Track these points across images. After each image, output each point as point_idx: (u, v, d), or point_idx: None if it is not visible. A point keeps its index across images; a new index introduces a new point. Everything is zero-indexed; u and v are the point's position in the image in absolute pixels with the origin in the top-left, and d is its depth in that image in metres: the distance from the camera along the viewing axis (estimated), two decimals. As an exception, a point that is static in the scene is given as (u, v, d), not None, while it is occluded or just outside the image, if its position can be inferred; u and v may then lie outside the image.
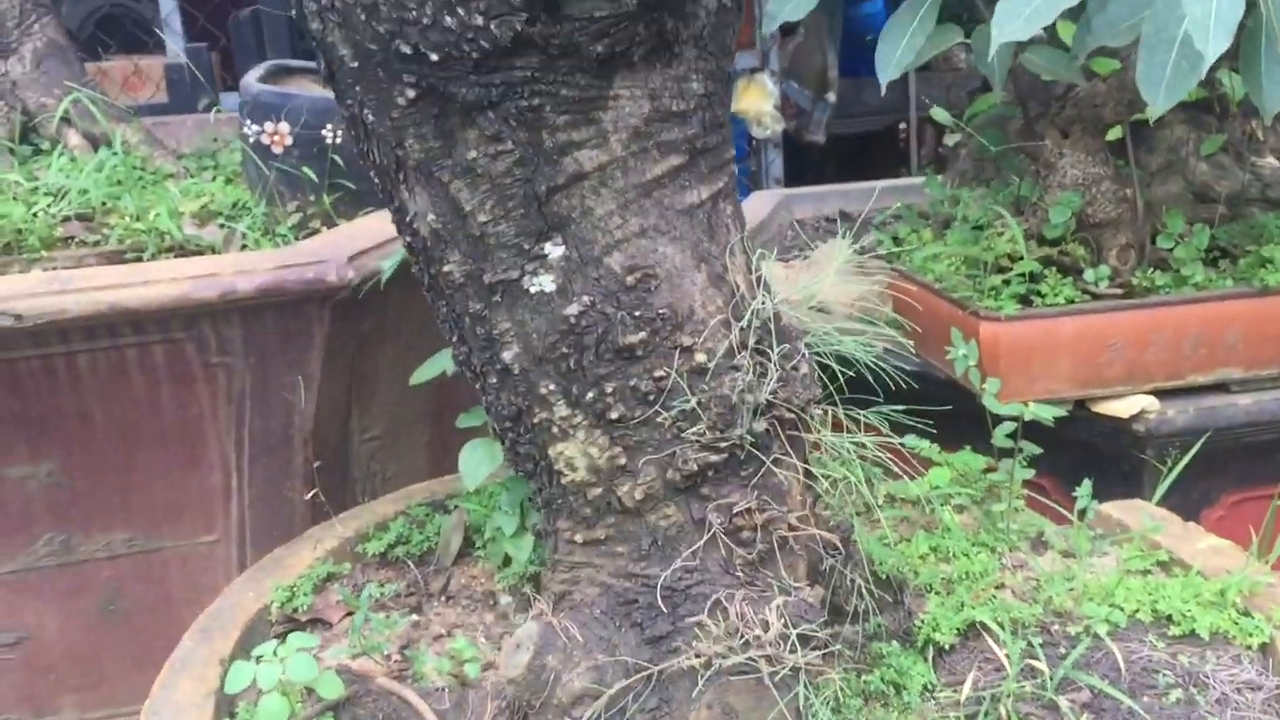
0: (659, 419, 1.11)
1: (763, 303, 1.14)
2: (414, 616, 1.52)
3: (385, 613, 1.51)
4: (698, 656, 1.06)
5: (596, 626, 1.15)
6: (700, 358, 1.11)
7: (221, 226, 2.03)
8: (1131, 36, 1.55)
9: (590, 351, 1.10)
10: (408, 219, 1.14)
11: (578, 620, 1.15)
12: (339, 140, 1.98)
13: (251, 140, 2.00)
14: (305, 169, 1.97)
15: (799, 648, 1.07)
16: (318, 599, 1.56)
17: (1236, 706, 1.27)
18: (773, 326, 1.15)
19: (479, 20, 0.98)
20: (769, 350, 1.14)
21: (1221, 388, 1.85)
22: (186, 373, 1.74)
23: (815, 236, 2.71)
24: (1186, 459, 1.54)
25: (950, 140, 2.49)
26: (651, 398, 1.11)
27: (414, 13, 1.00)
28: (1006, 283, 1.76)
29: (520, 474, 1.24)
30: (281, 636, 1.47)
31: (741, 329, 1.13)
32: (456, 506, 1.70)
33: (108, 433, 1.76)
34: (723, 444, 1.12)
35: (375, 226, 1.83)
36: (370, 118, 1.09)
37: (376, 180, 1.16)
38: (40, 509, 1.79)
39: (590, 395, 1.12)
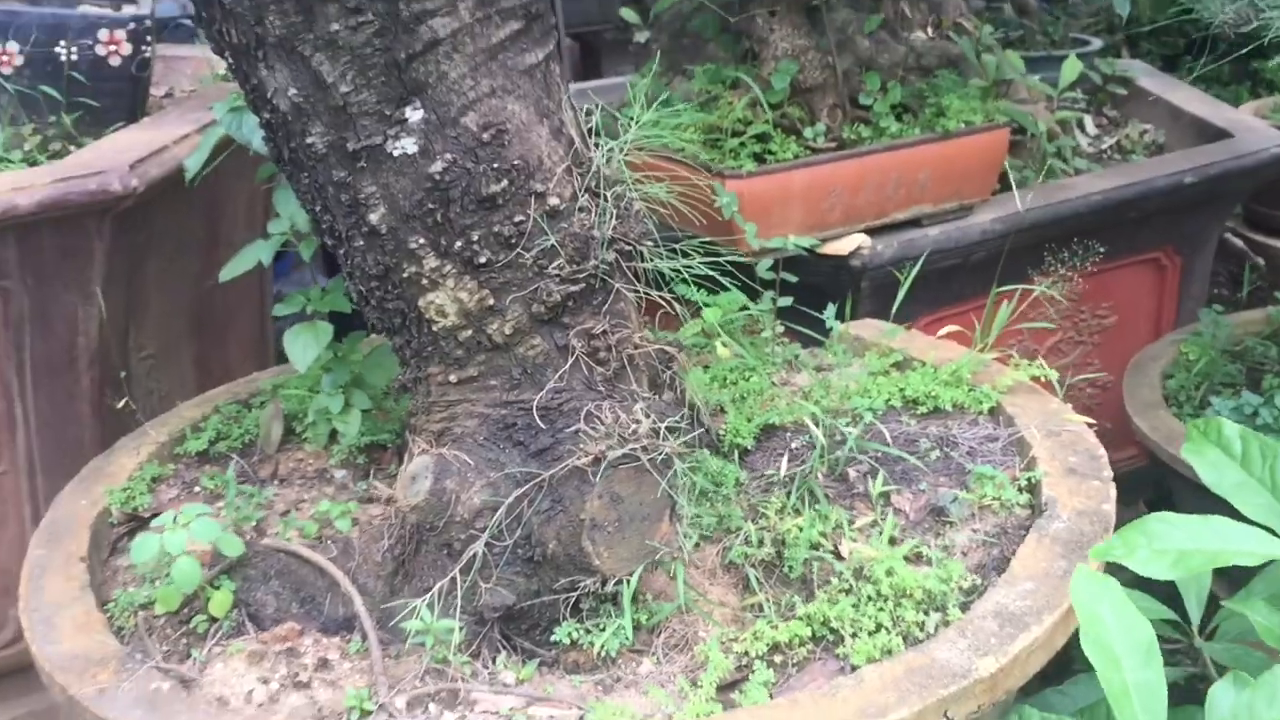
0: (522, 260, 1.26)
1: (594, 151, 1.30)
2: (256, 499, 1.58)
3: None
4: (586, 456, 1.23)
5: (482, 451, 1.29)
6: (553, 201, 1.25)
7: (-50, 154, 1.94)
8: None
9: (455, 204, 1.23)
10: (267, 95, 1.21)
11: (464, 449, 1.29)
12: (75, 57, 1.94)
13: (-24, 62, 1.92)
14: (43, 89, 1.92)
15: (668, 437, 1.26)
16: (153, 498, 1.60)
17: (983, 454, 1.57)
18: (604, 172, 1.32)
19: (342, -102, 1.07)
20: (605, 193, 1.30)
21: (916, 224, 2.19)
22: (-40, 300, 1.69)
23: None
24: (908, 282, 1.83)
25: (640, 38, 2.70)
26: (514, 241, 1.25)
27: (276, -107, 1.07)
28: (743, 145, 2.00)
29: (384, 330, 1.34)
30: (131, 533, 1.52)
31: (582, 174, 1.28)
32: (270, 399, 1.76)
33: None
34: (580, 275, 1.28)
35: (143, 137, 1.83)
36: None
37: (231, 60, 1.22)
38: None
39: (458, 244, 1.24)
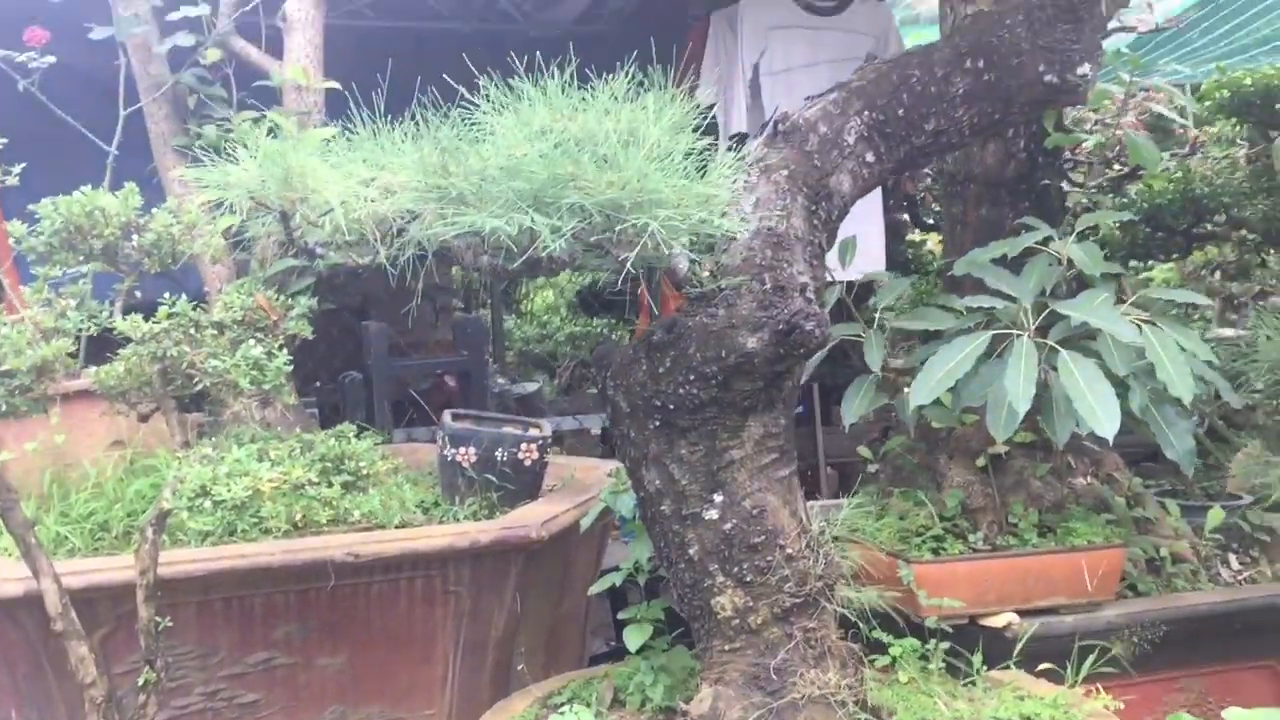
0: (769, 581, 2.27)
1: (813, 527, 2.34)
2: (595, 732, 2.57)
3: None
4: (799, 694, 2.17)
5: (739, 689, 2.25)
6: (789, 551, 2.28)
7: (425, 512, 3.17)
8: (983, 400, 2.85)
9: (735, 548, 2.27)
10: (643, 483, 2.32)
11: (729, 687, 2.26)
12: (504, 458, 3.17)
13: (449, 459, 3.18)
14: (486, 476, 3.15)
15: (848, 689, 2.19)
16: (536, 724, 2.61)
17: (1064, 747, 2.39)
18: (818, 539, 2.34)
19: (696, 391, 2.22)
20: (818, 549, 2.32)
21: (1054, 611, 3.05)
22: (433, 597, 2.83)
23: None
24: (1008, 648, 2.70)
25: (871, 468, 3.77)
26: (766, 570, 2.27)
27: (665, 389, 2.23)
28: (924, 542, 2.98)
29: (689, 617, 2.36)
30: (523, 739, 2.53)
31: (806, 538, 2.31)
32: (605, 677, 2.78)
33: (380, 636, 2.82)
34: (801, 594, 2.27)
35: (543, 509, 3.00)
36: (632, 434, 2.30)
37: (627, 464, 2.35)
38: (331, 689, 2.81)
39: (735, 570, 2.27)
